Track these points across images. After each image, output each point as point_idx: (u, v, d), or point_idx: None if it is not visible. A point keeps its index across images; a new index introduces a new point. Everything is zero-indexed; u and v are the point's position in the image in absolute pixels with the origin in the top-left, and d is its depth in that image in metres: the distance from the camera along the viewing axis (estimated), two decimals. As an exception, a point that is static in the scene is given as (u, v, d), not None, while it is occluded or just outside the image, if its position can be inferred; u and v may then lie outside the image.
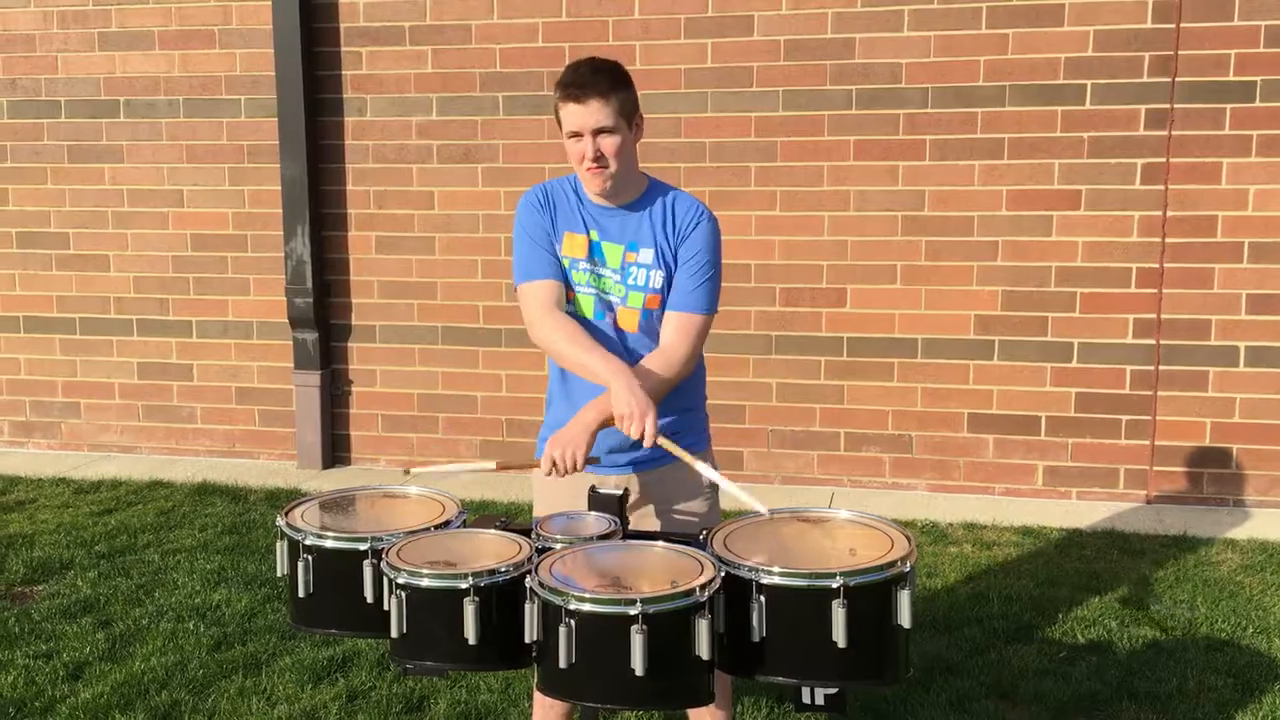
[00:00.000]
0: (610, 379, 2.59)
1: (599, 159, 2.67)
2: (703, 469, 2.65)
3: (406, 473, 2.75)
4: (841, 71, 5.75)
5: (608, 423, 2.63)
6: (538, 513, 2.83)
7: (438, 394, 6.39)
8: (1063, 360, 5.74)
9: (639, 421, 2.53)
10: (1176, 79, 5.47)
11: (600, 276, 2.77)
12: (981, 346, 5.81)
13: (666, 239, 2.76)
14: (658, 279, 2.75)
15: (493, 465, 2.60)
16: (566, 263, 2.78)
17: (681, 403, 2.85)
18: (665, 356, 2.72)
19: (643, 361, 2.72)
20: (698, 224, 2.76)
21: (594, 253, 2.77)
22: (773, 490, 5.92)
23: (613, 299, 2.77)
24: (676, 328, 2.75)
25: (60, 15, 6.51)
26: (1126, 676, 3.81)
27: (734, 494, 2.55)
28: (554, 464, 2.56)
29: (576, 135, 2.68)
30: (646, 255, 2.76)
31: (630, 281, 2.76)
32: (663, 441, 2.58)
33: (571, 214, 2.79)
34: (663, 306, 2.77)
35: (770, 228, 5.91)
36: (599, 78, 2.66)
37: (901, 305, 5.84)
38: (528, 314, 2.77)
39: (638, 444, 2.72)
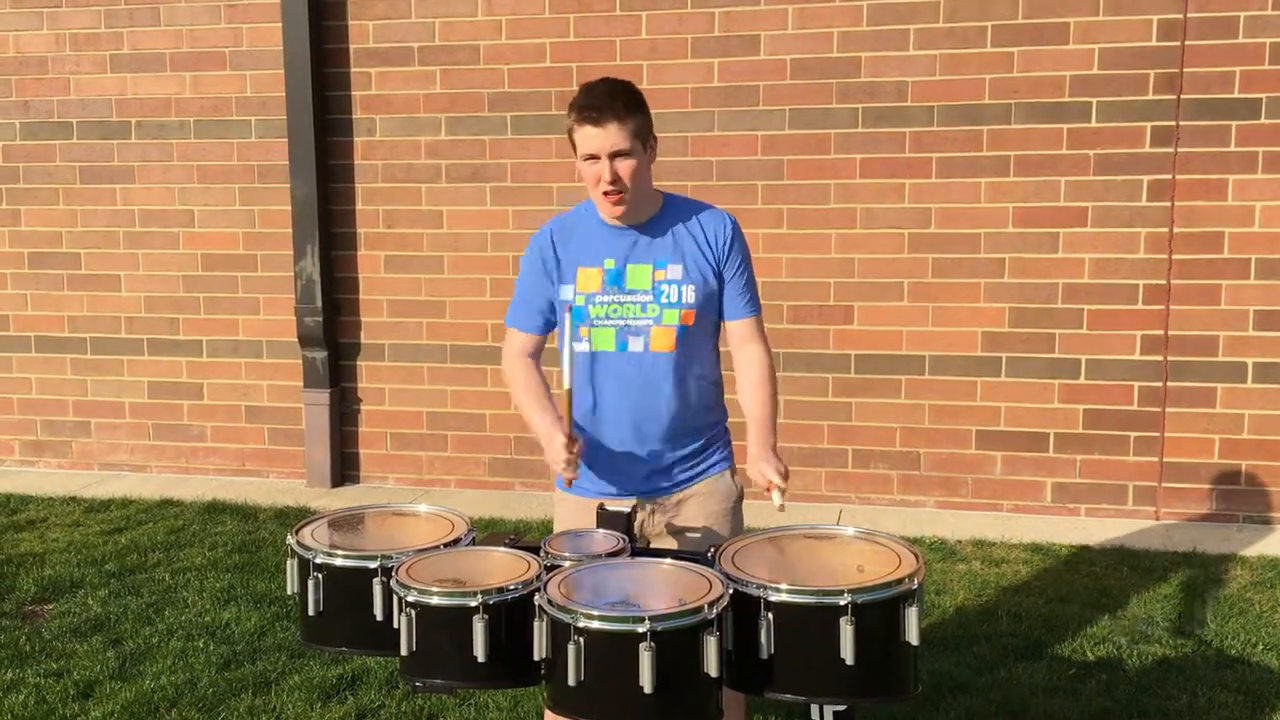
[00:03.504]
0: (545, 443, 2.73)
1: (616, 182, 2.66)
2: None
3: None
4: (848, 90, 5.78)
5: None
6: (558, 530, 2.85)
7: (447, 412, 6.41)
8: (1070, 377, 5.74)
9: (555, 466, 2.69)
10: (1182, 96, 5.49)
11: (622, 304, 2.76)
12: (989, 363, 5.81)
13: (702, 255, 2.77)
14: (690, 294, 2.76)
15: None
16: (581, 300, 2.77)
17: (710, 417, 2.88)
18: (763, 366, 2.86)
19: (755, 378, 2.84)
20: (732, 236, 2.82)
21: (612, 281, 2.76)
22: (781, 508, 5.91)
23: (643, 323, 2.76)
24: (752, 334, 2.86)
25: (73, 38, 6.57)
26: (1136, 694, 3.80)
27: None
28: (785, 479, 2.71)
29: (592, 158, 2.67)
30: (675, 271, 2.76)
31: (664, 300, 2.75)
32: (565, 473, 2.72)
33: (588, 244, 2.79)
34: (697, 321, 2.78)
35: (777, 245, 5.92)
36: (615, 101, 2.66)
37: (909, 322, 5.85)
38: (504, 351, 2.95)
39: (651, 475, 2.79)
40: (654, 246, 2.77)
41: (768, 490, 2.67)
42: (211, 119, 6.48)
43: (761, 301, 2.94)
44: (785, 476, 2.68)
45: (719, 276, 2.80)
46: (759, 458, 2.72)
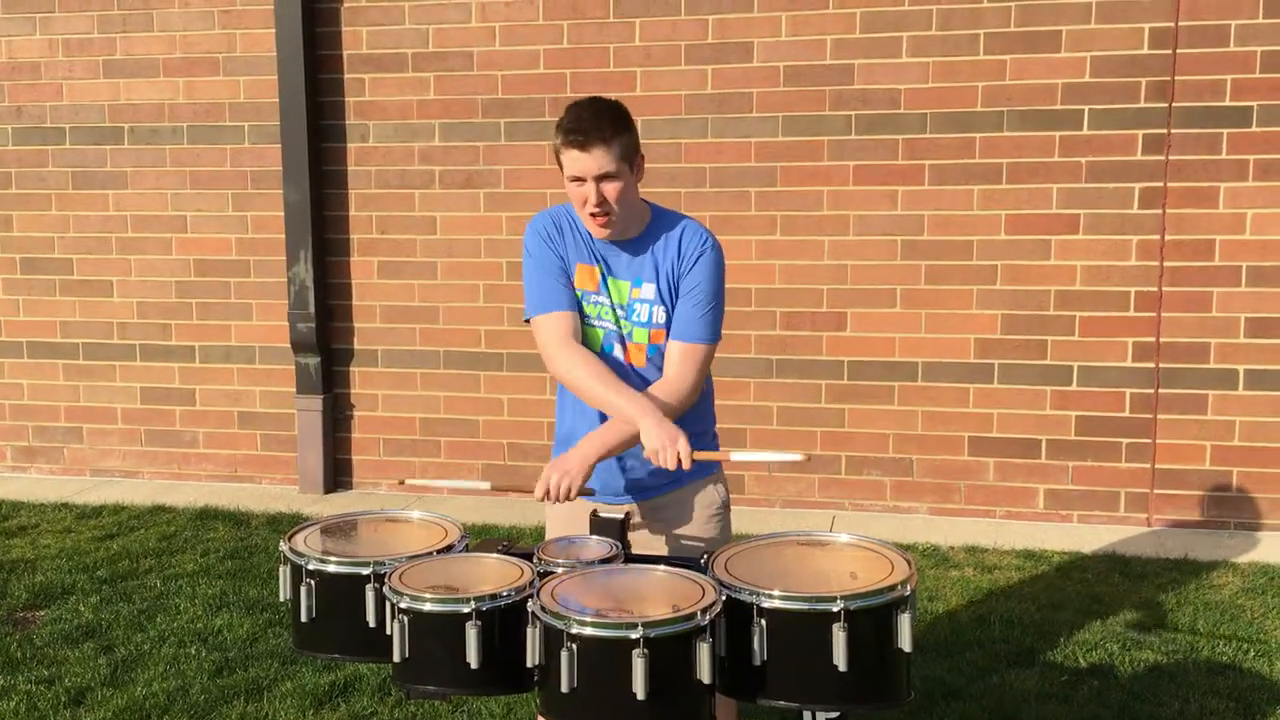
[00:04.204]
0: (639, 417, 2.57)
1: (602, 204, 2.65)
2: (739, 455, 2.63)
3: (401, 483, 2.75)
4: (840, 97, 5.79)
5: (607, 455, 2.65)
6: (549, 536, 2.85)
7: (439, 418, 6.40)
8: (1062, 383, 5.75)
9: (671, 452, 2.51)
10: (1173, 104, 5.51)
11: (611, 309, 2.77)
12: (981, 370, 5.82)
13: (670, 271, 2.75)
14: (660, 315, 2.75)
15: (487, 486, 2.65)
16: (579, 294, 2.77)
17: (693, 426, 2.86)
18: (670, 386, 2.71)
19: (649, 389, 2.71)
20: (701, 254, 2.75)
21: (603, 284, 2.77)
22: (773, 514, 5.92)
23: (622, 332, 2.78)
24: (681, 358, 2.74)
25: (65, 43, 6.57)
26: (1128, 700, 3.81)
27: (769, 458, 2.56)
28: (548, 490, 2.56)
29: (579, 180, 2.66)
30: (649, 291, 2.75)
31: (635, 318, 2.76)
32: (699, 455, 2.57)
33: (579, 246, 2.78)
34: (668, 340, 2.78)
35: (770, 252, 5.93)
36: (602, 123, 2.63)
37: (901, 329, 5.86)
38: (544, 348, 2.75)
39: (637, 479, 2.74)
40: (634, 264, 2.76)
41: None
42: (205, 124, 6.47)
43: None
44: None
45: (678, 293, 2.76)
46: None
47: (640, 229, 2.78)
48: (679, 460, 2.51)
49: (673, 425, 2.55)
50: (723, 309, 2.80)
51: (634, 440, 2.64)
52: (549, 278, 2.75)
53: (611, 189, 2.65)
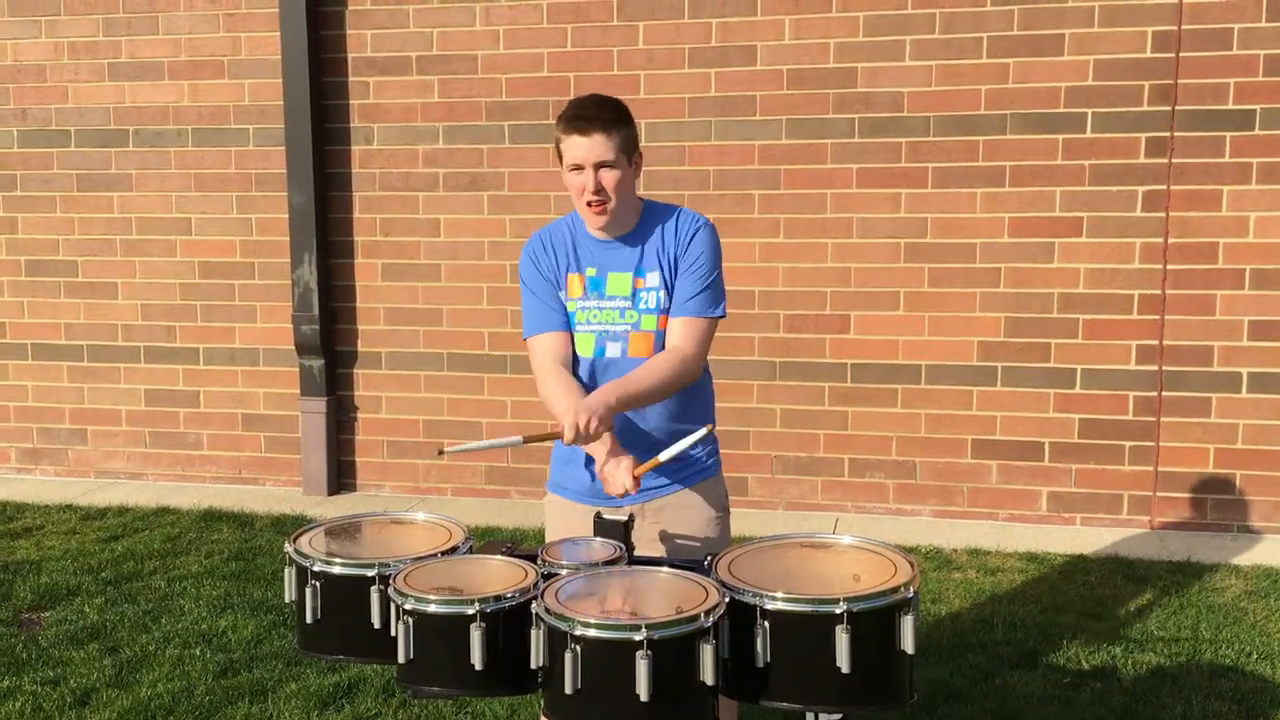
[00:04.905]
0: (561, 415, 2.60)
1: (599, 192, 2.70)
2: (675, 449, 2.66)
3: (440, 453, 2.78)
4: (844, 100, 5.80)
5: (627, 406, 2.67)
6: (549, 539, 2.86)
7: (443, 420, 6.41)
8: (1066, 386, 5.76)
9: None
10: (1176, 107, 5.52)
11: (602, 310, 2.80)
12: (984, 373, 5.83)
13: (670, 255, 2.79)
14: (666, 299, 2.79)
15: (519, 440, 2.63)
16: (571, 306, 2.82)
17: (691, 427, 2.87)
18: (677, 353, 2.74)
19: (653, 358, 2.73)
20: (696, 231, 2.80)
21: (592, 288, 2.80)
22: (777, 516, 5.93)
23: (621, 329, 2.79)
24: (683, 330, 2.77)
25: (71, 46, 6.58)
26: (1131, 703, 3.82)
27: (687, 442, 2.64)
28: (578, 430, 2.54)
29: (578, 168, 2.71)
30: (654, 278, 2.79)
31: (643, 306, 2.78)
32: (639, 471, 2.66)
33: (570, 254, 2.83)
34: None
35: (774, 255, 5.94)
36: (603, 112, 2.71)
37: (905, 332, 5.87)
38: (534, 368, 2.83)
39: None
40: (634, 255, 2.80)
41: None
42: (209, 127, 6.49)
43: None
44: (584, 431, 2.52)
45: (677, 272, 2.79)
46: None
47: (635, 222, 2.82)
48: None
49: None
50: (722, 286, 2.84)
51: (649, 396, 2.69)
52: (536, 300, 2.84)
53: (609, 178, 2.70)
